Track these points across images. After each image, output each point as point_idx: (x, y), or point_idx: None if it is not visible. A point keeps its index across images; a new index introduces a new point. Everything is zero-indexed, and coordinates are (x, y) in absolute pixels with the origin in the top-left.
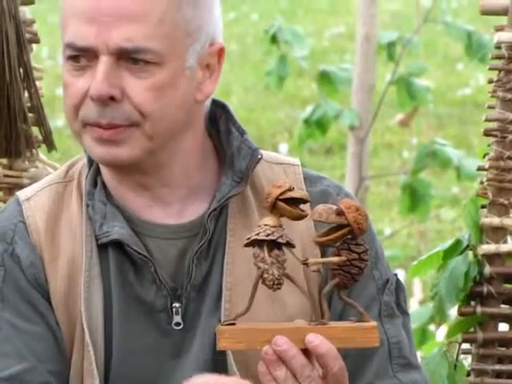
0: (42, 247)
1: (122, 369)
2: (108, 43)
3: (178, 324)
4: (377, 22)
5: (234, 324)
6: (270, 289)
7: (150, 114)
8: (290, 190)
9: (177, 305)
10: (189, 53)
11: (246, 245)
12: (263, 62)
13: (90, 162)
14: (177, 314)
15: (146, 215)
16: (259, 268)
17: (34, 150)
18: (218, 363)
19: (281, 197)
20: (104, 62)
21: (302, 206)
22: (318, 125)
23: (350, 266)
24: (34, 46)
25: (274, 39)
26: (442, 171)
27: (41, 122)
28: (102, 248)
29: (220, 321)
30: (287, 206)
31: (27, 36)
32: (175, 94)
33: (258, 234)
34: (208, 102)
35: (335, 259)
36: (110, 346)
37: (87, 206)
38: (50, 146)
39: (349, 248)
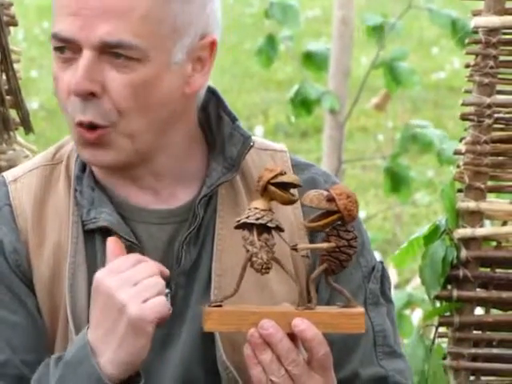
0: (27, 232)
1: None
2: (91, 37)
3: None
4: (353, 5)
5: (220, 306)
6: (258, 272)
7: (125, 112)
8: (282, 174)
9: (166, 290)
10: (176, 48)
11: (236, 227)
12: (239, 45)
13: None
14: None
15: (135, 200)
16: (248, 251)
17: (11, 133)
18: (206, 348)
19: (272, 181)
20: (86, 56)
21: (292, 191)
22: (303, 105)
23: (338, 253)
24: (12, 28)
25: (266, 15)
26: (418, 155)
27: (18, 104)
28: (89, 234)
29: None
30: (278, 190)
31: (5, 19)
32: (157, 90)
33: (247, 217)
34: (201, 93)
35: (324, 245)
36: None
37: (75, 190)
38: (28, 128)
39: (338, 234)
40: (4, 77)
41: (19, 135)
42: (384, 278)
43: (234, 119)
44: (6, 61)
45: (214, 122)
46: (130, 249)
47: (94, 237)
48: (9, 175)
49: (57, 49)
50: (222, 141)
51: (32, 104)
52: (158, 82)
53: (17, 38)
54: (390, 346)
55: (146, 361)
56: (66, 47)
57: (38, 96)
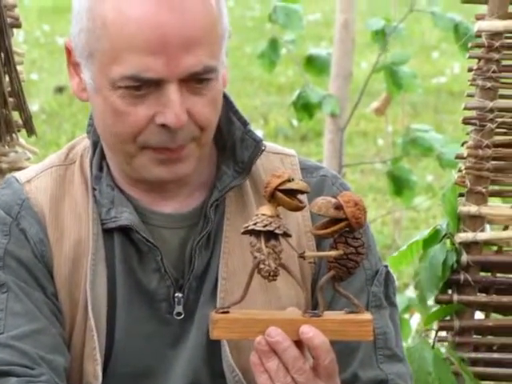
0: (46, 227)
1: (122, 355)
2: (176, 71)
3: (179, 314)
4: (355, 9)
5: (227, 312)
6: (265, 279)
7: (207, 127)
8: (290, 180)
9: (179, 295)
10: (223, 55)
11: (243, 233)
12: (240, 48)
13: (95, 144)
14: (179, 303)
15: (149, 204)
16: (255, 258)
17: (13, 135)
18: (213, 351)
19: (280, 187)
20: (175, 90)
21: (299, 197)
22: (305, 109)
23: (346, 260)
24: (15, 30)
25: (270, 19)
26: (418, 159)
27: (21, 106)
28: (107, 233)
29: None
30: (286, 196)
31: (8, 20)
32: (220, 99)
33: (255, 224)
34: None
35: (332, 253)
36: (113, 332)
37: (93, 189)
38: (30, 130)
39: (346, 241)
40: (7, 79)
41: (21, 137)
42: (388, 281)
43: (245, 123)
44: (9, 63)
45: (225, 126)
46: (148, 252)
47: (112, 236)
48: (21, 176)
49: (130, 87)
50: (233, 144)
51: (32, 106)
52: (221, 90)
53: (17, 40)
54: (391, 350)
55: (156, 360)
56: (143, 85)
57: (39, 98)
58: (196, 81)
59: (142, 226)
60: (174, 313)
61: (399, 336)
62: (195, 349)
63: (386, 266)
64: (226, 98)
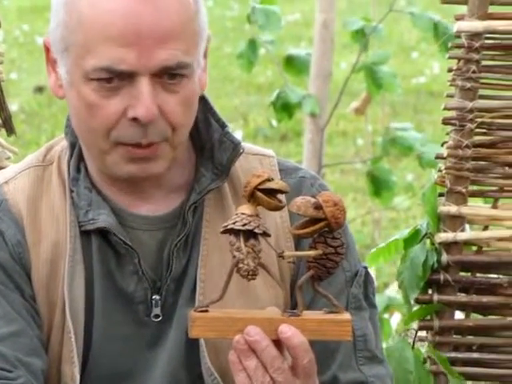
0: (24, 230)
1: (100, 357)
2: (150, 65)
3: (156, 316)
4: (335, 9)
5: (206, 311)
6: (244, 278)
7: (180, 127)
8: (269, 180)
9: (157, 297)
10: (200, 53)
11: (223, 232)
12: (219, 48)
13: (72, 145)
14: (156, 306)
15: (126, 206)
16: (234, 257)
17: None
18: (191, 354)
19: (259, 187)
20: (146, 83)
21: (279, 196)
22: (284, 109)
23: (325, 260)
24: None
25: (249, 20)
26: (397, 159)
27: (0, 106)
28: (85, 235)
29: None
30: (265, 196)
31: None
32: (196, 100)
33: (234, 223)
34: None
35: (311, 253)
36: (90, 334)
37: (71, 191)
38: (10, 130)
39: (325, 241)
40: None
41: (0, 137)
42: (368, 282)
43: (223, 125)
44: None
45: (203, 128)
46: (125, 254)
47: (90, 238)
48: (0, 177)
49: (102, 79)
50: (211, 147)
51: (12, 106)
52: (197, 90)
53: None
54: (371, 352)
55: (134, 362)
56: (116, 77)
57: (18, 98)
58: (169, 76)
59: (120, 229)
60: (152, 315)
61: (379, 337)
62: (174, 351)
63: (366, 267)
64: (204, 99)
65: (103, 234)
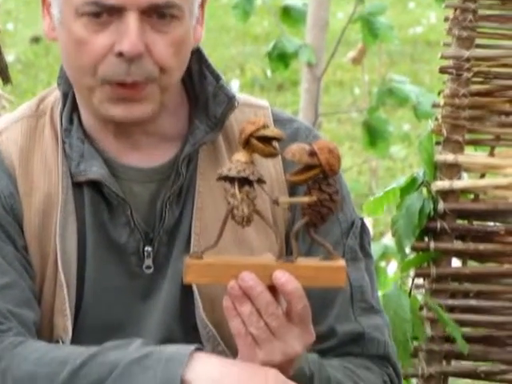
0: (17, 181)
1: (92, 309)
2: (138, 0)
3: (148, 267)
4: None
5: (201, 257)
6: (239, 225)
7: (168, 69)
8: (264, 127)
9: (149, 248)
10: (193, 2)
11: (218, 179)
12: (215, 0)
13: (65, 96)
14: (148, 257)
15: (120, 158)
16: (229, 204)
17: None
18: (186, 307)
19: (254, 134)
20: (134, 18)
21: (274, 145)
22: (280, 59)
23: (320, 206)
24: None
25: None
26: (394, 109)
27: None
28: (77, 187)
29: None
30: (260, 143)
31: None
32: (188, 45)
33: (229, 170)
34: None
35: (306, 199)
36: (82, 286)
37: (63, 142)
38: (6, 79)
39: (320, 188)
40: None
41: None
42: (363, 233)
43: (217, 78)
44: None
45: (197, 80)
46: (118, 205)
47: (82, 189)
48: None
49: (91, 14)
50: (206, 99)
51: (8, 57)
52: (189, 37)
53: None
54: (368, 302)
55: (126, 313)
56: (105, 12)
57: (14, 48)
58: (158, 15)
59: (112, 180)
60: (144, 266)
61: (375, 287)
62: (168, 303)
63: (361, 218)
64: (199, 52)
65: (95, 185)
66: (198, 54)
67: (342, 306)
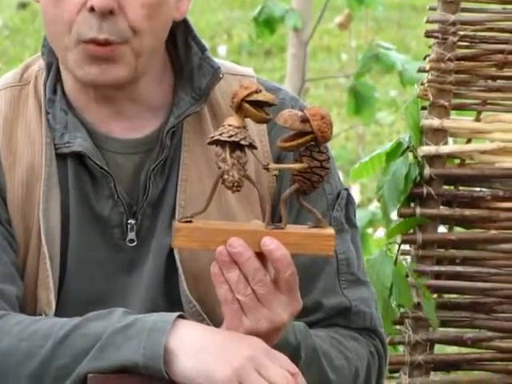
0: (0, 152)
1: (75, 282)
2: None
3: (131, 241)
4: None
5: (190, 222)
6: (229, 190)
7: (141, 31)
8: (257, 92)
9: (132, 221)
10: None
11: (209, 143)
12: None
13: (49, 66)
14: (131, 230)
15: (105, 128)
16: (220, 168)
17: None
18: (170, 281)
19: (247, 98)
20: None
21: (266, 110)
22: (266, 24)
23: (310, 173)
24: None
25: None
26: (380, 75)
27: None
28: (61, 158)
29: None
30: (252, 108)
31: None
32: (165, 12)
33: (221, 134)
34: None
35: (297, 166)
36: (65, 259)
37: (47, 113)
38: None
39: (311, 155)
40: None
41: None
42: (349, 204)
43: (203, 49)
44: None
45: (182, 50)
46: (101, 178)
47: (66, 161)
48: None
49: None
50: (191, 70)
51: None
52: (166, 4)
53: None
54: (354, 274)
55: (110, 286)
56: None
57: (1, 14)
58: None
59: (96, 152)
60: (127, 239)
61: (361, 258)
62: (152, 277)
63: (347, 189)
64: (185, 22)
65: (79, 157)
66: (184, 25)
67: (328, 278)
